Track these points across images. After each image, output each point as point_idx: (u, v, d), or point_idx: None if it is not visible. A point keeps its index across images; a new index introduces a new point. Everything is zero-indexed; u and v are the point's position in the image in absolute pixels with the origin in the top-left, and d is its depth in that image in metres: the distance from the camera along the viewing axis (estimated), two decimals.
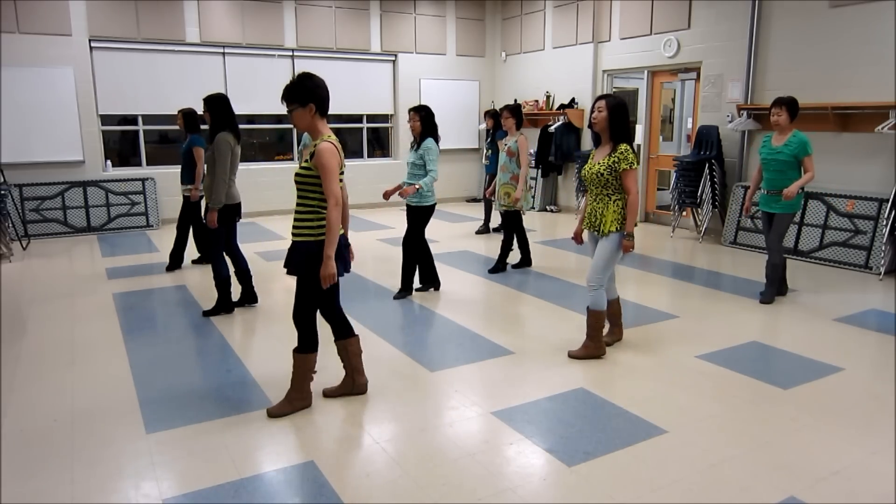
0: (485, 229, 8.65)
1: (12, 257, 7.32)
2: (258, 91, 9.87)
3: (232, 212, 5.01)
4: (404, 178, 5.44)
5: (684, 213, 8.58)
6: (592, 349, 4.13)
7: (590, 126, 4.17)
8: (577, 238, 4.36)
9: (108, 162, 9.21)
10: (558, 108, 10.40)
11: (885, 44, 6.40)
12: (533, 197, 10.62)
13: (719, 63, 8.05)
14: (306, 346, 3.36)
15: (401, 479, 2.75)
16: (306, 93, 3.16)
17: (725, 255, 7.30)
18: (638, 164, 4.15)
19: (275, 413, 3.33)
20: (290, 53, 10.19)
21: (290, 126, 10.38)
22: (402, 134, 11.10)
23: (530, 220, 9.20)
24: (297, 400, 3.39)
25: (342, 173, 3.24)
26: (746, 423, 3.25)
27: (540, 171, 10.59)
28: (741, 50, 7.71)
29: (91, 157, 8.97)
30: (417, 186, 5.23)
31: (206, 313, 5.08)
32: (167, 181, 9.25)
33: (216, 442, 3.08)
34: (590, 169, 4.03)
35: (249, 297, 5.33)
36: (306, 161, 3.17)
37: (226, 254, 5.14)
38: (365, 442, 3.10)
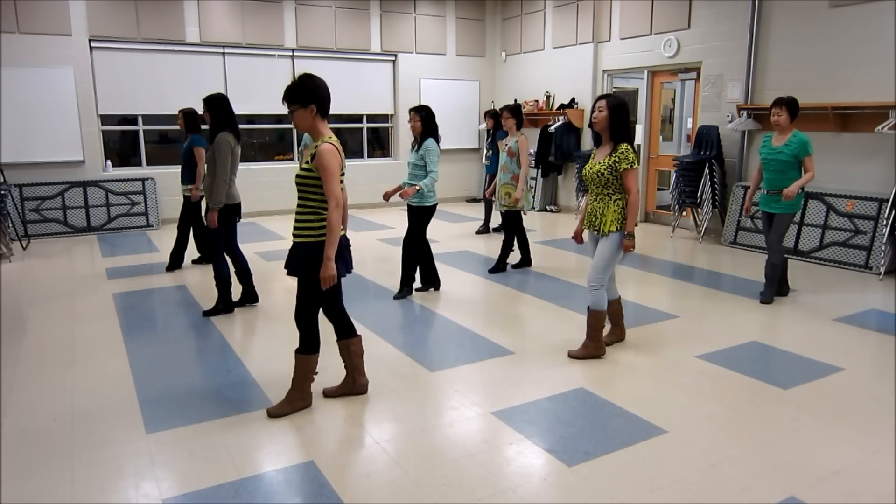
0: (485, 229, 8.65)
1: (12, 257, 7.32)
2: (258, 91, 9.87)
3: (232, 212, 5.02)
4: (405, 179, 5.44)
5: (684, 213, 8.58)
6: (592, 349, 4.13)
7: (590, 126, 4.17)
8: (578, 237, 4.37)
9: (108, 162, 9.21)
10: (558, 108, 10.41)
11: (885, 44, 6.40)
12: (533, 197, 10.62)
13: (719, 63, 8.05)
14: (308, 346, 3.36)
15: (401, 479, 2.75)
16: (308, 93, 3.15)
17: (725, 255, 7.31)
18: (638, 163, 4.15)
19: (275, 413, 3.33)
20: (290, 53, 10.19)
21: (291, 126, 10.37)
22: (402, 134, 11.10)
23: (530, 220, 9.20)
24: (297, 400, 3.39)
25: (343, 174, 3.23)
26: (746, 423, 3.25)
27: (540, 171, 10.59)
28: (741, 50, 7.72)
29: (91, 157, 8.97)
30: (418, 187, 5.23)
31: (206, 313, 5.08)
32: (167, 181, 9.25)
33: (216, 442, 3.08)
34: (590, 168, 4.03)
35: (250, 297, 5.33)
36: (307, 162, 3.17)
37: (226, 254, 5.15)
38: (365, 442, 3.10)
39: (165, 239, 8.18)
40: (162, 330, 4.81)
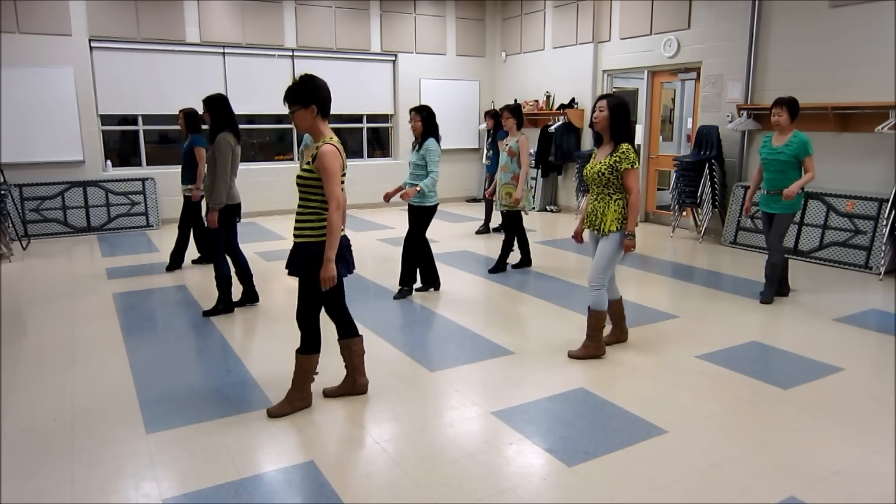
0: (485, 229, 8.65)
1: (12, 257, 7.32)
2: (258, 91, 9.87)
3: (232, 212, 5.02)
4: (406, 179, 5.44)
5: (684, 213, 8.58)
6: (592, 349, 4.13)
7: (591, 126, 4.17)
8: (578, 237, 4.37)
9: (108, 162, 9.22)
10: (558, 108, 10.41)
11: (885, 44, 6.40)
12: (533, 197, 10.62)
13: (719, 63, 8.05)
14: (309, 346, 3.36)
15: (401, 479, 2.75)
16: (308, 94, 3.16)
17: (725, 255, 7.31)
18: (639, 163, 4.15)
19: (275, 413, 3.33)
20: (290, 53, 10.19)
21: (291, 126, 10.39)
22: (403, 134, 11.10)
23: (530, 220, 9.19)
24: (297, 400, 3.39)
25: (344, 175, 3.23)
26: (746, 423, 3.25)
27: (540, 171, 10.59)
28: (741, 50, 7.72)
29: (91, 157, 8.97)
30: (418, 188, 5.23)
31: (206, 313, 5.08)
32: (167, 181, 9.25)
33: (216, 442, 3.08)
34: (591, 168, 4.04)
35: (251, 297, 5.34)
36: (308, 163, 3.17)
37: (227, 254, 5.15)
38: (365, 442, 3.10)
39: (165, 239, 8.18)
40: (162, 330, 4.81)
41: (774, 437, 3.09)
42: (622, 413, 3.35)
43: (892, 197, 6.16)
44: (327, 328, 3.51)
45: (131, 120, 9.40)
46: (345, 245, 3.28)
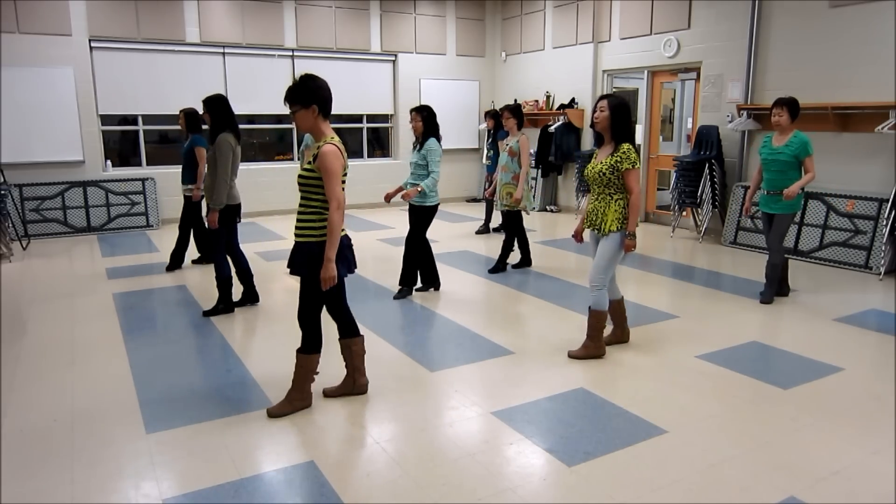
0: (485, 229, 8.66)
1: (12, 257, 7.32)
2: (258, 91, 9.87)
3: (233, 212, 5.02)
4: (407, 179, 5.44)
5: (684, 213, 8.58)
6: (592, 349, 4.13)
7: (592, 126, 4.17)
8: (578, 236, 4.37)
9: (108, 162, 9.22)
10: (558, 108, 10.41)
11: (885, 44, 6.40)
12: (533, 197, 10.62)
13: (719, 63, 8.05)
14: (310, 346, 3.36)
15: (401, 479, 2.75)
16: (309, 94, 3.15)
17: (725, 255, 7.31)
18: (640, 163, 4.16)
19: (275, 413, 3.33)
20: (290, 53, 10.19)
21: (291, 126, 10.39)
22: (403, 134, 11.10)
23: (530, 220, 9.19)
24: (297, 400, 3.39)
25: (345, 175, 3.23)
26: (746, 423, 3.25)
27: (540, 171, 10.59)
28: (741, 50, 7.72)
29: (91, 157, 8.97)
30: (419, 188, 5.23)
31: (207, 313, 5.08)
32: (167, 181, 9.25)
33: (216, 442, 3.08)
34: (592, 168, 4.04)
35: (251, 297, 5.34)
36: (309, 163, 3.17)
37: (227, 254, 5.14)
38: (365, 442, 3.10)
39: (165, 239, 8.18)
40: (162, 330, 4.81)
41: (774, 437, 3.09)
42: (622, 413, 3.35)
43: (892, 197, 6.16)
44: (328, 328, 3.51)
45: (131, 120, 9.40)
46: (346, 245, 3.28)
